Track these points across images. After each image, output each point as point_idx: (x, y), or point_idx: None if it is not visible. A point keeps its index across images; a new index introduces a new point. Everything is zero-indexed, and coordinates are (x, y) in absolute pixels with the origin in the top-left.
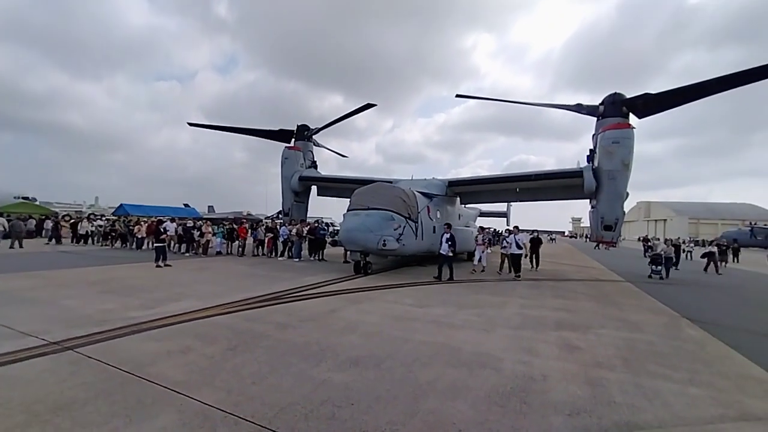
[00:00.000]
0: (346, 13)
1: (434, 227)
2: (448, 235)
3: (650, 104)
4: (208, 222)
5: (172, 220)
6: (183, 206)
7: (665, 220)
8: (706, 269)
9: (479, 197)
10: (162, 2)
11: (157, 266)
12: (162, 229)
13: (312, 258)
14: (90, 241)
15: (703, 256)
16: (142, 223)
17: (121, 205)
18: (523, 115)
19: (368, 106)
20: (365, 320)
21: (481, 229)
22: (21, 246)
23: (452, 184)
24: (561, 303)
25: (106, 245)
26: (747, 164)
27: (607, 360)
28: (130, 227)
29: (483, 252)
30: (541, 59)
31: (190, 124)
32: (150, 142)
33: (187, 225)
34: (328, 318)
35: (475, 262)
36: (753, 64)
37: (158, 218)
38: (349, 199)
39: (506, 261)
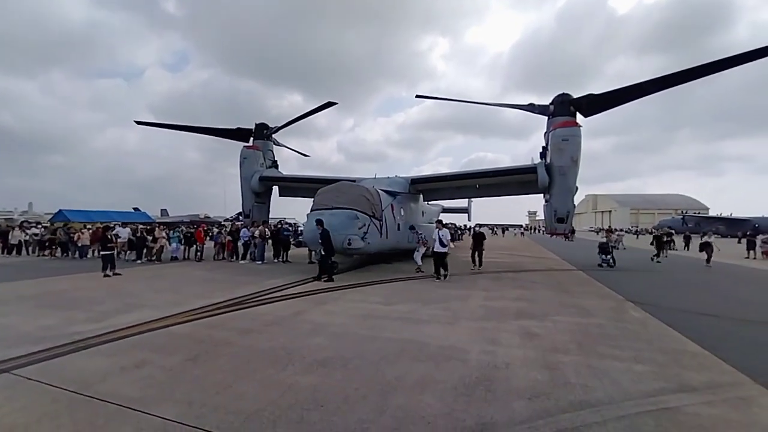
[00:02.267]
0: (302, 15)
1: (398, 225)
2: (442, 233)
3: (594, 104)
4: (162, 226)
5: (124, 225)
6: (132, 210)
7: (610, 211)
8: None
9: (441, 194)
10: None
11: (105, 276)
12: (110, 236)
13: (276, 260)
14: (24, 251)
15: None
16: (83, 230)
17: (60, 210)
18: (479, 115)
19: (329, 104)
20: (332, 321)
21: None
22: None
23: (415, 181)
24: (521, 293)
25: (44, 255)
26: (674, 159)
27: (563, 345)
28: (71, 234)
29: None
30: (491, 63)
31: (138, 123)
32: (93, 143)
33: (138, 229)
34: (293, 321)
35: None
36: (673, 70)
37: (105, 224)
38: (312, 199)
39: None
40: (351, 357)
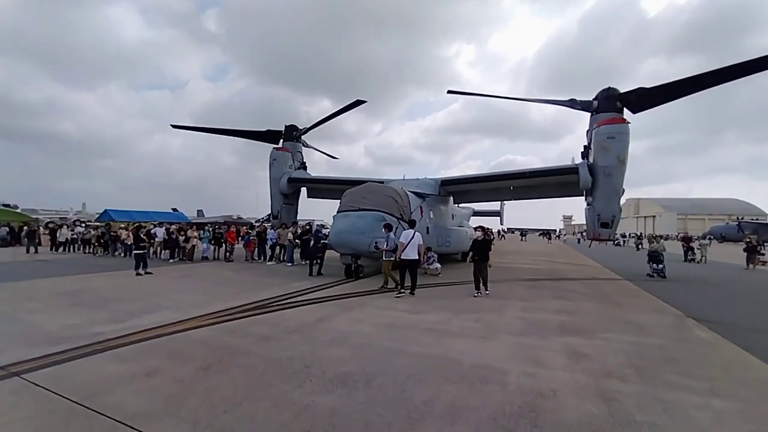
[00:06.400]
0: (332, 25)
1: (427, 227)
2: (401, 235)
3: (644, 99)
4: (194, 226)
5: (161, 225)
6: (171, 211)
7: (654, 216)
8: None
9: (473, 196)
10: (154, 17)
11: (137, 274)
12: (143, 236)
13: (304, 262)
14: (71, 248)
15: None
16: (120, 229)
17: (106, 210)
18: (505, 118)
19: (358, 102)
20: (355, 330)
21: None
22: None
23: (445, 183)
24: (562, 305)
25: (88, 252)
26: (720, 161)
27: (619, 369)
28: (112, 233)
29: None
30: (515, 67)
31: (174, 126)
32: (141, 149)
33: (171, 230)
34: (315, 328)
35: (425, 265)
36: (706, 69)
37: (137, 223)
38: (339, 201)
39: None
40: (374, 373)
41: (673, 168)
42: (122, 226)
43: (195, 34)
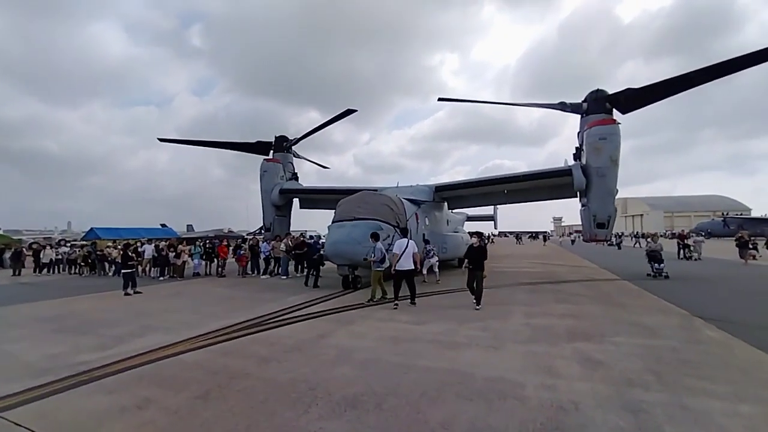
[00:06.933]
0: (317, 38)
1: (424, 235)
2: (399, 243)
3: (633, 99)
4: (184, 241)
5: (149, 242)
6: (160, 227)
7: (641, 215)
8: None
9: (467, 201)
10: (138, 34)
11: (126, 294)
12: (130, 253)
13: (299, 274)
14: (55, 269)
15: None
16: (109, 248)
17: (92, 229)
18: (491, 124)
19: (349, 111)
20: (359, 345)
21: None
22: None
23: (439, 189)
24: (566, 308)
25: (74, 273)
26: (701, 159)
27: (638, 376)
28: (98, 252)
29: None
30: (499, 75)
31: (161, 140)
32: (127, 165)
33: (160, 246)
34: (316, 346)
35: (424, 271)
36: (682, 71)
37: (126, 241)
38: (333, 211)
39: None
40: (384, 393)
41: (658, 167)
42: (110, 244)
43: (180, 49)
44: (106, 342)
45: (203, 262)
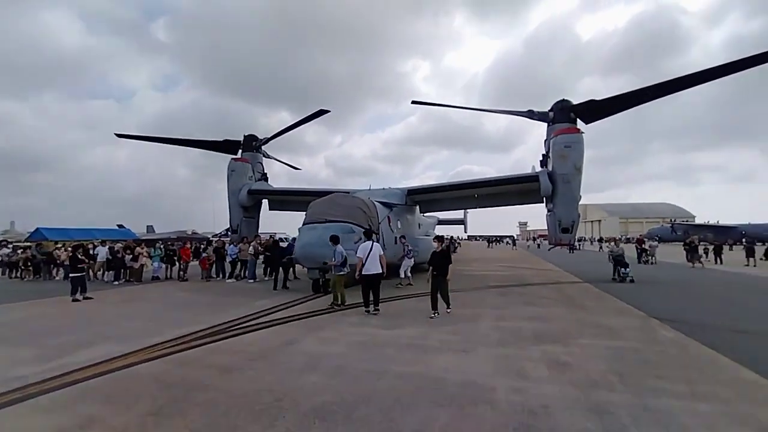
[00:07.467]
0: (288, 39)
1: (395, 238)
2: (365, 246)
3: (595, 110)
4: (143, 243)
5: (103, 244)
6: (116, 227)
7: (600, 220)
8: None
9: (438, 205)
10: (97, 24)
11: (74, 300)
12: (80, 255)
13: (267, 278)
14: None
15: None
16: (60, 249)
17: (38, 229)
18: (460, 130)
19: (321, 112)
20: (328, 351)
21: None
22: None
23: (412, 192)
24: (533, 311)
25: (15, 277)
26: (650, 169)
27: (602, 377)
28: (43, 254)
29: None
30: (468, 83)
31: (119, 135)
32: (82, 161)
33: (115, 248)
34: (283, 353)
35: (401, 274)
36: (635, 88)
37: (77, 242)
38: (303, 213)
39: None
40: (355, 401)
41: (613, 176)
42: (59, 245)
43: (142, 42)
44: (47, 353)
45: (163, 266)
